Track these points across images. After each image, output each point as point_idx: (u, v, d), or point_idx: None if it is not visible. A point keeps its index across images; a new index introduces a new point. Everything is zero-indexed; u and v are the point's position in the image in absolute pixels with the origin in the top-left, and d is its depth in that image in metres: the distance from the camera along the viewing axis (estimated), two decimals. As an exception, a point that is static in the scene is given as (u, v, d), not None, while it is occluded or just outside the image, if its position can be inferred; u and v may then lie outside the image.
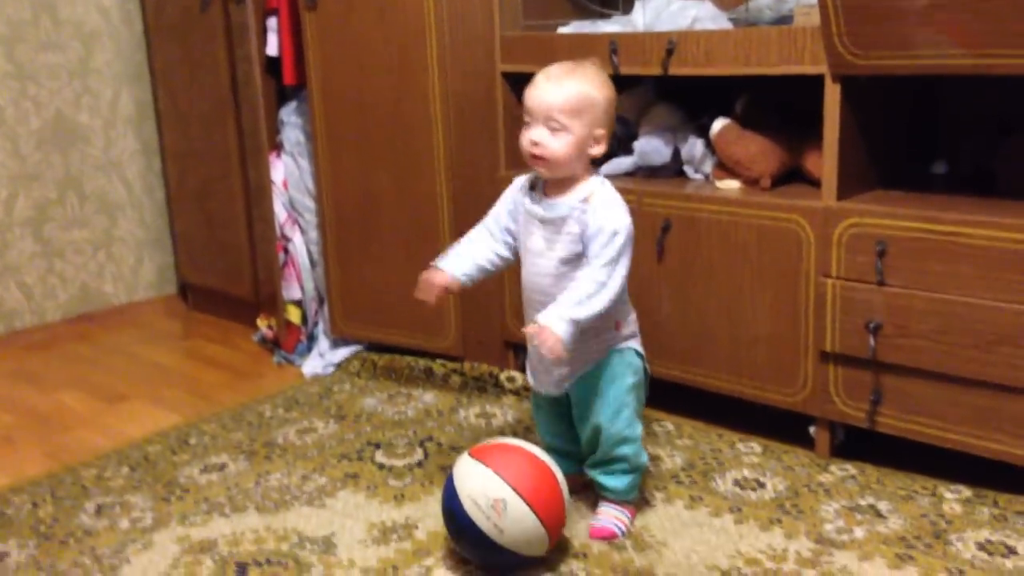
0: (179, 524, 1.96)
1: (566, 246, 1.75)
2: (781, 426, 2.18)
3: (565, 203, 1.76)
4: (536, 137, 1.74)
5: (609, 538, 1.81)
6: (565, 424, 1.91)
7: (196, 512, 2.00)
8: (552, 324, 1.66)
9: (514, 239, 1.86)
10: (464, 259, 1.85)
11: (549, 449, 1.86)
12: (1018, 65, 1.69)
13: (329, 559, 1.80)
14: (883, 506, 1.88)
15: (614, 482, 1.85)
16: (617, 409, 1.80)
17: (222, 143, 3.13)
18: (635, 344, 1.85)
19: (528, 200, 1.82)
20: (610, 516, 1.84)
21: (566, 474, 1.76)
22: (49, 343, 3.19)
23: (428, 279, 1.83)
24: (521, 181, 1.86)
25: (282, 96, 2.93)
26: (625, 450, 1.82)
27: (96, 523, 1.98)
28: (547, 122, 1.73)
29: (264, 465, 2.20)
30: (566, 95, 1.72)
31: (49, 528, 1.97)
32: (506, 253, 1.87)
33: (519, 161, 2.56)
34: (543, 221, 1.78)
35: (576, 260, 1.75)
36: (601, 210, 1.73)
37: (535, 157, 1.75)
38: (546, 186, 1.81)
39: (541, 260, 1.78)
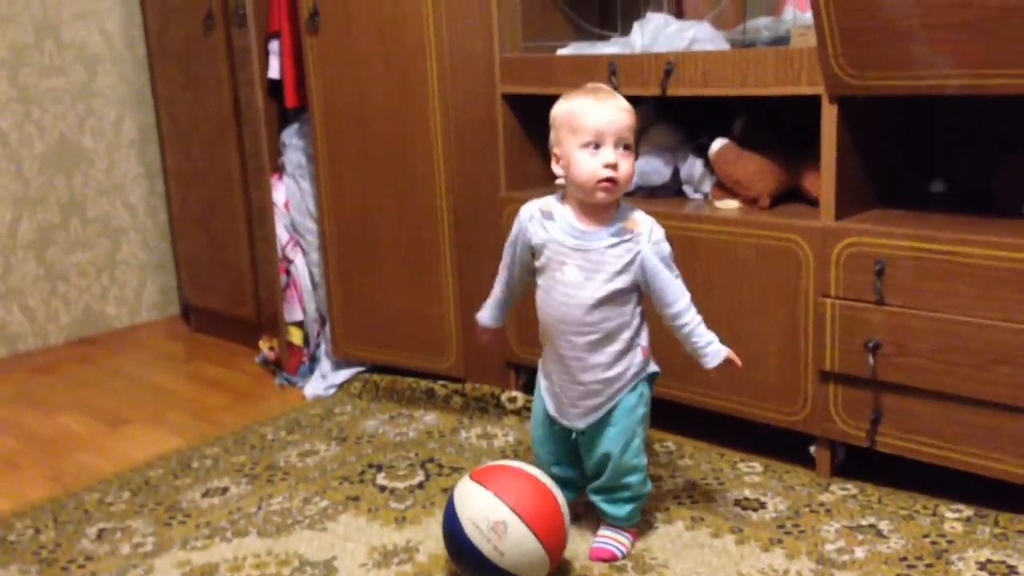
0: (180, 549, 1.96)
1: (609, 277, 1.72)
2: (782, 445, 2.18)
3: (606, 233, 1.72)
4: (613, 159, 1.68)
5: (609, 560, 1.81)
6: (569, 451, 1.90)
7: (198, 536, 2.00)
8: (721, 349, 1.77)
9: (529, 271, 1.85)
10: (495, 308, 1.95)
11: (552, 476, 1.84)
12: (1014, 85, 1.70)
13: (330, 583, 1.80)
14: (884, 526, 1.88)
15: (618, 510, 1.85)
16: (628, 440, 1.80)
17: (224, 165, 3.15)
18: (653, 366, 1.85)
19: (556, 230, 1.75)
20: (611, 539, 1.84)
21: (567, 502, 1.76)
22: (52, 366, 3.20)
23: (479, 332, 1.98)
24: (531, 211, 1.80)
25: (284, 118, 2.94)
26: (631, 479, 1.82)
27: (98, 548, 1.99)
28: (619, 142, 1.69)
29: (266, 488, 2.21)
30: (629, 113, 1.72)
31: (51, 553, 1.97)
32: (522, 287, 1.91)
33: (519, 182, 2.58)
34: (582, 252, 1.73)
35: (618, 291, 1.72)
36: (649, 233, 1.73)
37: (609, 181, 1.69)
38: (576, 214, 1.75)
39: (579, 292, 1.72)
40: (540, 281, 1.80)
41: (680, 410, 2.31)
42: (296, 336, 2.93)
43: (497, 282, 1.92)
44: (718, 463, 2.20)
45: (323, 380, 2.84)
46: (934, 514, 1.91)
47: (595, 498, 1.87)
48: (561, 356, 1.78)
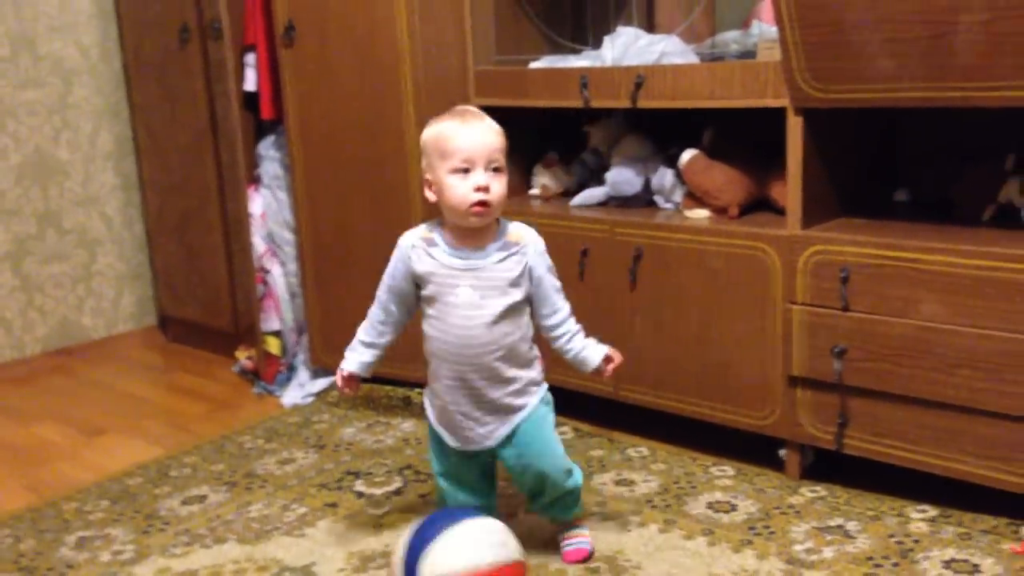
0: (160, 556, 1.98)
1: (503, 292, 1.72)
2: (753, 449, 2.23)
3: (493, 249, 1.73)
4: (484, 182, 1.67)
5: (586, 558, 1.84)
6: (483, 478, 1.86)
7: (177, 544, 2.02)
8: (601, 347, 1.80)
9: (410, 306, 1.81)
10: (363, 353, 1.86)
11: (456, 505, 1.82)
12: (972, 97, 1.76)
13: (309, 588, 1.82)
14: (852, 526, 1.92)
15: (568, 512, 1.88)
16: (554, 450, 1.82)
17: (201, 177, 3.17)
18: (542, 375, 1.84)
19: (441, 255, 1.73)
20: (575, 537, 1.88)
21: None
22: (29, 377, 3.20)
23: (339, 378, 1.87)
24: (410, 241, 1.77)
25: (260, 130, 2.97)
26: (572, 483, 1.85)
27: (77, 556, 2.00)
28: (490, 164, 1.68)
29: (245, 496, 2.23)
30: (498, 134, 1.71)
31: (31, 562, 1.98)
32: (404, 321, 1.84)
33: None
34: (473, 272, 1.71)
35: (514, 304, 1.73)
36: (534, 244, 1.75)
37: (481, 205, 1.67)
38: (458, 236, 1.73)
39: (477, 312, 1.71)
40: (431, 311, 1.75)
41: (654, 416, 2.35)
42: (274, 346, 2.95)
43: (369, 326, 1.84)
44: (690, 467, 2.24)
45: (301, 389, 2.86)
46: (900, 515, 1.96)
47: (546, 512, 1.89)
48: (464, 381, 1.74)
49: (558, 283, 1.79)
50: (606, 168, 2.48)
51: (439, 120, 1.73)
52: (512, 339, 1.74)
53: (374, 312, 1.84)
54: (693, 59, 2.29)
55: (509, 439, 1.78)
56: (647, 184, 2.41)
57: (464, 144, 1.67)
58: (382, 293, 1.82)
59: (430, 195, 1.75)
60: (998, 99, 1.73)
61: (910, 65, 1.79)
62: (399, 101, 2.50)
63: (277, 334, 2.95)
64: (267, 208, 2.94)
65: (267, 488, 2.26)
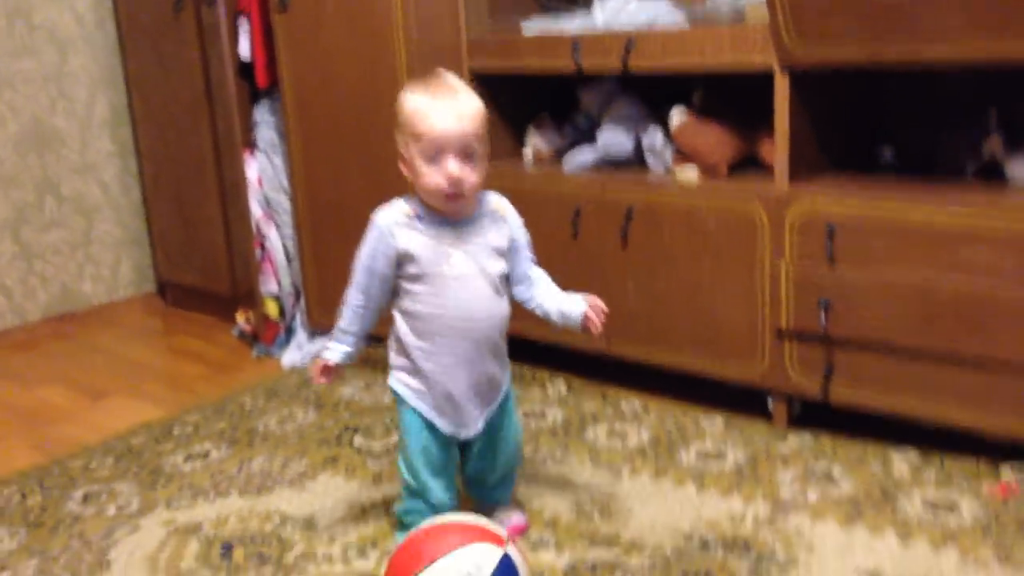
0: (165, 509, 2.03)
1: (494, 258, 1.69)
2: (742, 401, 2.29)
3: (480, 217, 1.68)
4: (458, 172, 1.58)
5: (525, 529, 1.84)
6: (450, 473, 1.78)
7: (181, 497, 2.08)
8: (584, 297, 1.72)
9: (392, 285, 1.70)
10: (348, 342, 1.75)
11: (441, 507, 1.72)
12: (956, 52, 1.80)
13: (311, 536, 1.88)
14: (836, 471, 1.99)
15: (509, 491, 1.88)
16: (518, 423, 1.83)
17: (197, 144, 3.20)
18: None
19: (430, 228, 1.65)
20: (513, 513, 1.85)
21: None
22: (31, 343, 3.25)
23: (319, 369, 1.76)
24: (391, 219, 1.66)
25: (255, 95, 3.00)
26: (520, 455, 1.87)
27: (84, 510, 2.05)
28: (463, 151, 1.59)
29: (246, 452, 2.28)
30: (473, 114, 1.60)
31: (39, 516, 2.04)
32: (384, 305, 1.73)
33: (488, 156, 2.65)
34: (465, 241, 1.66)
35: (503, 273, 1.71)
36: (513, 215, 1.73)
37: (456, 196, 1.60)
38: (443, 211, 1.65)
39: (476, 282, 1.66)
40: (421, 288, 1.66)
41: (645, 371, 2.41)
42: (272, 309, 3.00)
43: (351, 314, 1.73)
44: (681, 419, 2.30)
45: (300, 350, 2.91)
46: (884, 460, 2.02)
47: (489, 495, 1.85)
48: (462, 356, 1.67)
49: (533, 254, 1.77)
50: (598, 130, 2.52)
51: (413, 91, 1.63)
52: (507, 310, 1.72)
53: (354, 298, 1.72)
54: (683, 22, 2.32)
55: (488, 422, 1.75)
56: (638, 145, 2.45)
57: (436, 130, 1.57)
58: (361, 277, 1.70)
59: (404, 170, 1.67)
60: (981, 57, 1.78)
61: (893, 24, 1.83)
62: (392, 66, 2.54)
63: (275, 297, 3.00)
64: (263, 173, 2.97)
65: (268, 445, 2.32)
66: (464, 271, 1.66)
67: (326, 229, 2.80)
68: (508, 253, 1.72)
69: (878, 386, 2.02)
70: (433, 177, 1.60)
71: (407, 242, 1.65)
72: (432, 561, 1.39)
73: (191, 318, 3.43)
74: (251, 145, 3.00)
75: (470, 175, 1.61)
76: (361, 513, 1.96)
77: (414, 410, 1.71)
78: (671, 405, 2.38)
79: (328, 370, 1.76)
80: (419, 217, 1.66)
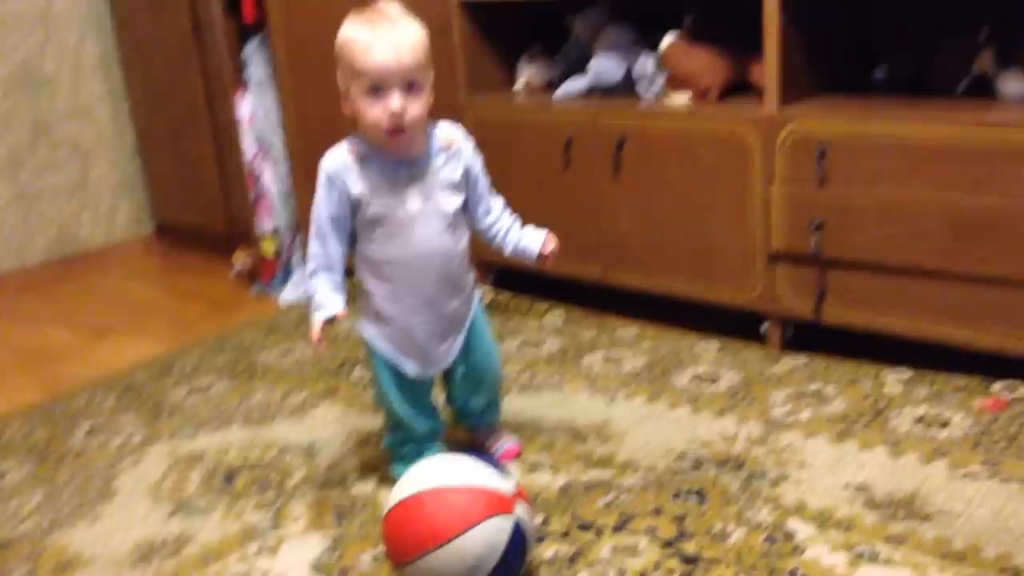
0: (168, 440, 2.07)
1: (450, 196, 1.65)
2: (737, 326, 2.30)
3: (432, 154, 1.63)
4: (399, 107, 1.52)
5: (519, 452, 1.86)
6: (432, 401, 1.80)
7: (184, 429, 2.11)
8: (537, 238, 1.73)
9: (350, 232, 1.65)
10: (336, 298, 1.67)
11: (428, 436, 1.78)
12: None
13: (312, 463, 1.92)
14: (829, 391, 2.01)
15: (496, 415, 1.89)
16: (494, 349, 1.81)
17: (188, 84, 3.19)
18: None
19: (381, 170, 1.60)
20: (504, 438, 1.88)
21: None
22: (32, 285, 3.28)
23: (317, 338, 1.67)
24: (339, 161, 1.60)
25: (245, 33, 2.98)
26: (501, 377, 1.86)
27: (89, 442, 2.09)
28: (404, 83, 1.53)
29: (247, 385, 2.31)
30: (413, 45, 1.53)
31: (45, 449, 2.08)
32: (347, 254, 1.68)
33: (480, 85, 2.64)
34: (418, 181, 1.61)
35: (460, 208, 1.67)
36: (466, 143, 1.68)
37: (397, 131, 1.54)
38: (388, 148, 1.59)
39: (433, 221, 1.62)
40: (377, 232, 1.61)
41: (641, 298, 2.42)
42: (269, 247, 3.01)
43: (323, 272, 1.65)
44: (677, 344, 2.32)
45: (297, 288, 2.93)
46: (877, 378, 2.04)
47: (477, 420, 1.86)
48: (428, 298, 1.66)
49: (489, 180, 1.73)
50: (590, 59, 2.51)
51: (351, 22, 1.56)
52: (464, 243, 1.70)
53: (318, 254, 1.64)
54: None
55: (463, 350, 1.74)
56: (629, 72, 2.44)
57: (375, 64, 1.50)
58: (323, 229, 1.62)
59: (346, 110, 1.61)
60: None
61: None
62: (382, -4, 2.51)
63: (272, 235, 3.01)
64: (255, 111, 2.96)
65: (268, 378, 2.34)
66: (419, 211, 1.61)
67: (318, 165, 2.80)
68: (464, 185, 1.67)
69: (870, 306, 2.03)
70: (373, 113, 1.54)
71: (359, 185, 1.59)
72: (446, 541, 1.36)
73: (190, 259, 3.45)
74: (242, 83, 2.98)
75: (412, 108, 1.54)
76: (359, 441, 1.99)
77: (383, 358, 1.70)
78: (667, 332, 2.40)
79: (323, 332, 1.67)
80: (368, 158, 1.60)
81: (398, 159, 1.60)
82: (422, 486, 1.42)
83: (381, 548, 1.60)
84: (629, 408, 2.03)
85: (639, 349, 2.31)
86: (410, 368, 1.70)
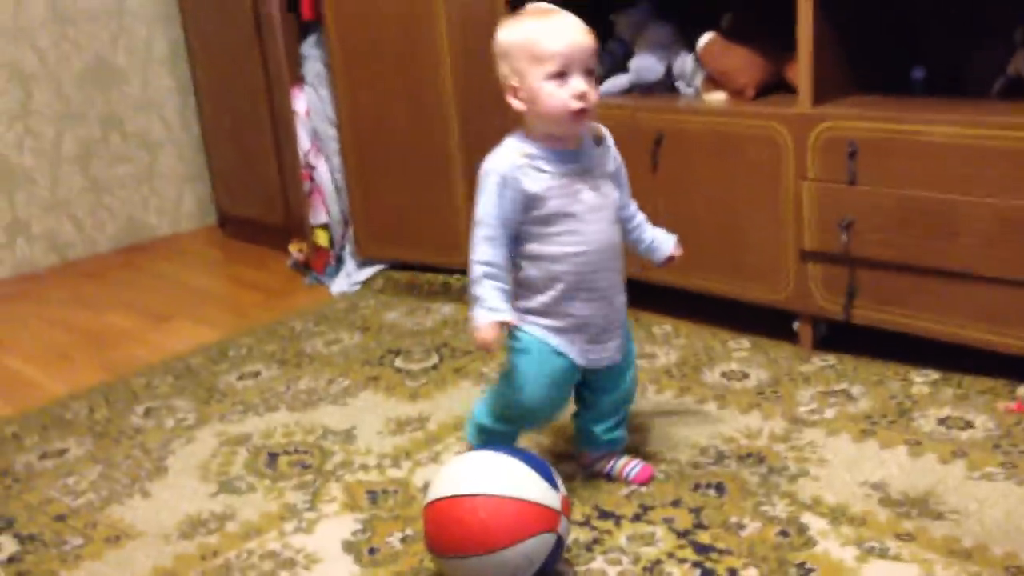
0: (218, 422, 2.18)
1: (610, 185, 1.67)
2: (770, 324, 2.33)
3: (590, 144, 1.65)
4: (583, 88, 1.54)
5: (652, 476, 1.79)
6: (567, 398, 1.78)
7: (233, 412, 2.22)
8: (670, 239, 1.80)
9: (521, 231, 1.63)
10: (503, 303, 1.60)
11: (522, 430, 1.80)
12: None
13: (349, 447, 2.01)
14: (856, 390, 2.03)
15: (625, 432, 1.83)
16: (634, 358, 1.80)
17: (249, 79, 3.30)
18: None
19: (554, 167, 1.59)
20: (634, 459, 1.81)
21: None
22: (100, 271, 3.44)
23: (488, 340, 1.59)
24: (511, 163, 1.58)
25: (304, 30, 3.08)
26: (636, 392, 1.83)
27: (145, 423, 2.22)
28: (585, 68, 1.55)
29: (294, 372, 2.42)
30: (589, 33, 1.57)
31: (104, 428, 2.21)
32: (511, 254, 1.65)
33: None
34: (588, 172, 1.63)
35: (617, 199, 1.70)
36: (609, 136, 1.70)
37: (582, 112, 1.56)
38: (555, 143, 1.60)
39: (604, 213, 1.64)
40: (553, 229, 1.60)
41: (676, 294, 2.46)
42: (323, 238, 3.12)
43: (498, 274, 1.60)
44: (710, 341, 2.36)
45: (348, 278, 3.03)
46: (904, 379, 2.06)
47: (612, 433, 1.79)
48: (597, 291, 1.65)
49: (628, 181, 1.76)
50: (631, 56, 2.55)
51: (520, 22, 1.59)
52: (621, 235, 1.73)
53: (492, 255, 1.59)
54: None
55: (617, 368, 1.73)
56: (669, 70, 2.47)
57: (561, 47, 1.53)
58: (494, 232, 1.59)
59: (516, 103, 1.60)
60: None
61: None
62: (430, -5, 2.59)
63: (325, 227, 3.12)
64: (311, 106, 3.07)
65: (315, 365, 2.45)
66: (592, 204, 1.62)
67: (372, 159, 2.89)
68: (616, 177, 1.70)
69: (899, 306, 2.04)
70: (558, 96, 1.54)
71: (536, 184, 1.58)
72: (489, 551, 1.41)
73: (248, 249, 3.58)
74: (299, 78, 3.09)
75: (592, 92, 1.57)
76: (397, 427, 2.08)
77: (547, 345, 1.66)
78: (701, 329, 2.44)
79: (495, 334, 1.59)
80: (538, 157, 1.59)
81: (563, 153, 1.60)
82: (478, 489, 1.45)
83: (410, 530, 1.68)
84: (657, 402, 2.08)
85: (673, 345, 2.36)
86: (580, 358, 1.67)
